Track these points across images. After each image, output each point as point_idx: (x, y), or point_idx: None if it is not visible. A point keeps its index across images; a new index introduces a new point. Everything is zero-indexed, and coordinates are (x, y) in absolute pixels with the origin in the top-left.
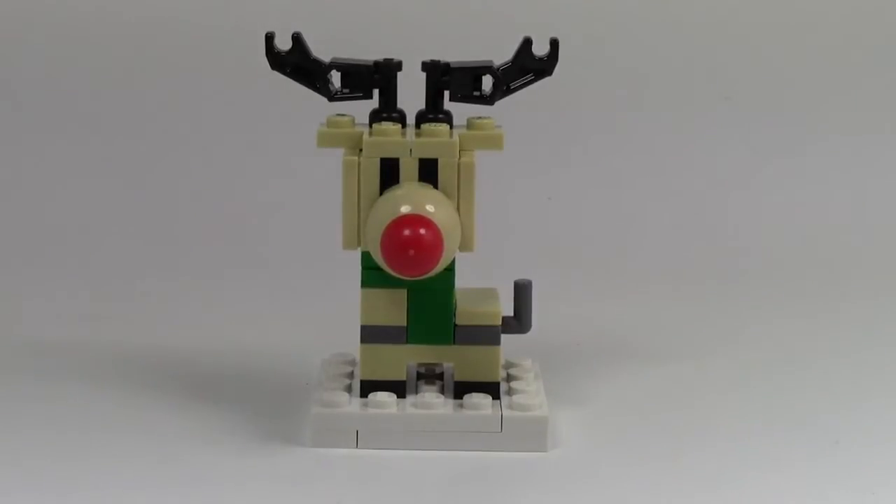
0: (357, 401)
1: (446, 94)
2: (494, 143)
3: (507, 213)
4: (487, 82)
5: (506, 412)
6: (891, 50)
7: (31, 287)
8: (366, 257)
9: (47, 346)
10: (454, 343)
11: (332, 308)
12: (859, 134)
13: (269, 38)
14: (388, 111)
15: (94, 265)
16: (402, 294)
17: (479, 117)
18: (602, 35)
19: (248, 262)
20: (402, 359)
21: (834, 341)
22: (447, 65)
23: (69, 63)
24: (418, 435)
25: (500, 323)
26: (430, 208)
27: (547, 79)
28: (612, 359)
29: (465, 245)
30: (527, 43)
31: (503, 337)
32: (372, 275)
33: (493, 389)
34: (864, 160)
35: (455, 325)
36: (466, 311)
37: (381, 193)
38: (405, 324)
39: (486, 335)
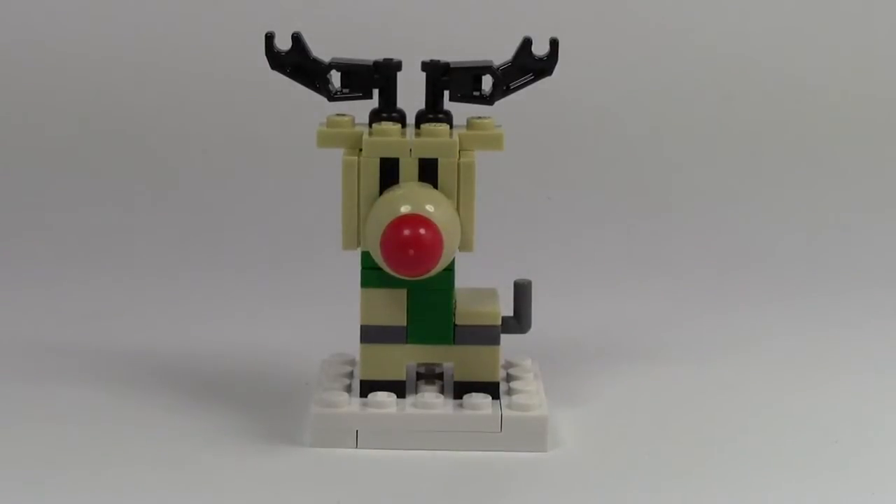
0: (357, 401)
1: (446, 93)
2: (494, 143)
3: (507, 213)
4: (487, 82)
5: (505, 412)
6: None
7: (32, 287)
8: (366, 257)
9: (47, 346)
10: (454, 343)
11: (332, 308)
12: (861, 135)
13: (269, 38)
14: (387, 111)
15: (94, 265)
16: (402, 294)
17: (479, 117)
18: (602, 34)
19: (248, 262)
20: (402, 359)
21: (834, 341)
22: (447, 65)
23: (68, 60)
24: (418, 435)
25: (499, 323)
26: (429, 208)
27: (547, 78)
28: (612, 359)
29: (465, 245)
30: (526, 43)
31: (503, 337)
32: (372, 275)
33: (492, 389)
34: (865, 162)
35: (455, 325)
36: (466, 311)
37: (380, 193)
38: (405, 324)
39: (486, 335)
